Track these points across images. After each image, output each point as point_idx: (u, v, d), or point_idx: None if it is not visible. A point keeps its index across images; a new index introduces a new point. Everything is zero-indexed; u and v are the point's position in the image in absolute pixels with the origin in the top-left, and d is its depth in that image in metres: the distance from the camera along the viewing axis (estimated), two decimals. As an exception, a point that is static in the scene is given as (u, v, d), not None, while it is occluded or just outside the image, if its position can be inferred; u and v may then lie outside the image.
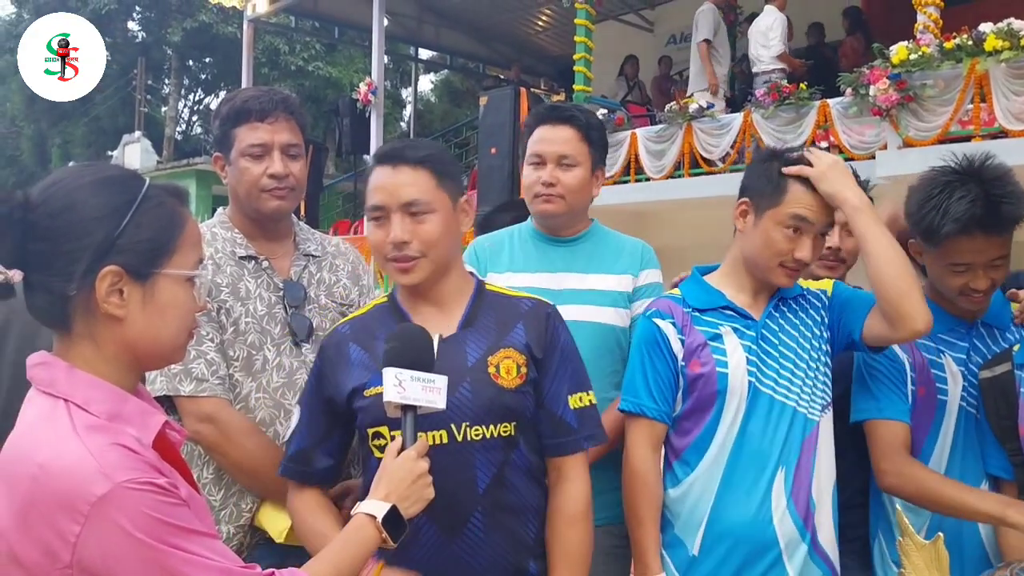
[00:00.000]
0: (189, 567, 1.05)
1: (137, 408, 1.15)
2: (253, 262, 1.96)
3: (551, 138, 2.15)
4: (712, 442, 1.83)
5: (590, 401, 1.69)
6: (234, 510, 1.87)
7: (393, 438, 1.51)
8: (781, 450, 1.81)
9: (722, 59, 8.04)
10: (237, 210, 2.00)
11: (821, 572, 1.83)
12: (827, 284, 1.98)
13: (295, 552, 1.73)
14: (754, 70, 7.88)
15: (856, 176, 2.04)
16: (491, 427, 1.56)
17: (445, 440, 1.54)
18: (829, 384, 1.89)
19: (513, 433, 1.59)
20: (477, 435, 1.56)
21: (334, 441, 1.68)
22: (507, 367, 1.59)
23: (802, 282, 1.97)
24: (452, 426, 1.54)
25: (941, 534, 1.60)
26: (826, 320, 1.91)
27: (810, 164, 1.81)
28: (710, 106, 7.77)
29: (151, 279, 1.15)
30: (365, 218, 1.65)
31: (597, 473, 1.97)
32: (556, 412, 1.64)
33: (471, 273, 1.75)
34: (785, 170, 1.81)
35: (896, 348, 1.90)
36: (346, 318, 1.76)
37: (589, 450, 1.71)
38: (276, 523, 1.83)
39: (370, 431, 1.59)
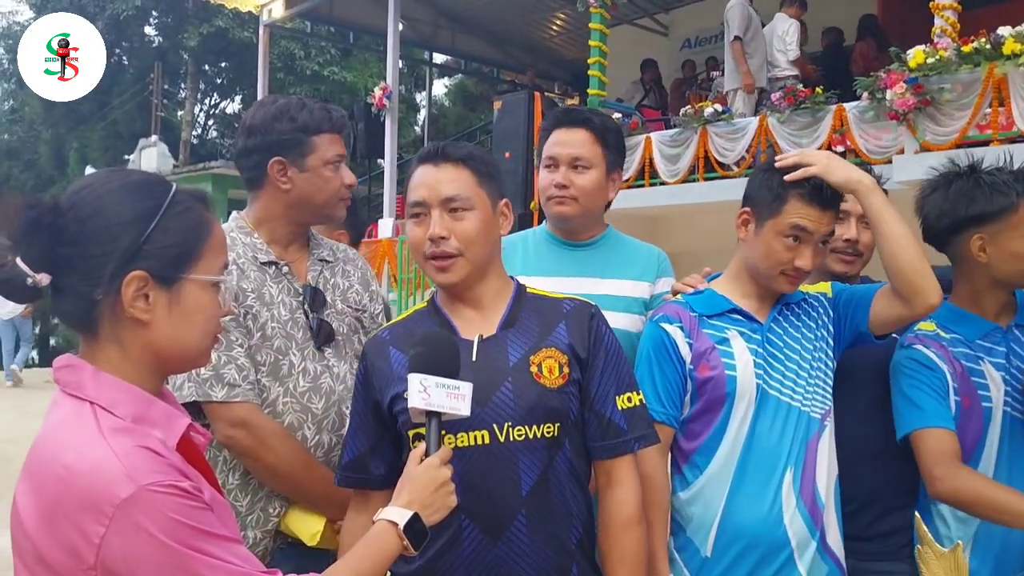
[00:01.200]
0: (211, 571, 1.05)
1: (162, 411, 1.16)
2: (274, 267, 1.97)
3: (565, 140, 2.16)
4: (722, 444, 1.84)
5: (640, 401, 1.68)
6: (261, 515, 1.87)
7: None
8: (789, 450, 1.83)
9: (755, 53, 7.77)
10: (280, 214, 1.98)
11: (829, 569, 1.84)
12: (825, 287, 2.00)
13: (322, 555, 1.73)
14: (769, 75, 7.86)
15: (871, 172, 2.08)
16: (534, 427, 1.56)
17: (487, 441, 1.54)
18: (830, 385, 1.90)
19: (557, 434, 1.58)
20: (520, 435, 1.55)
21: (386, 447, 1.67)
22: (549, 366, 1.59)
23: (802, 287, 1.98)
24: (494, 426, 1.54)
25: (960, 543, 1.59)
26: (829, 321, 1.93)
27: (805, 165, 1.83)
28: (726, 110, 7.75)
29: (177, 284, 1.16)
30: (406, 217, 1.67)
31: None
32: (604, 414, 1.63)
33: (511, 276, 1.75)
34: (788, 178, 1.82)
35: (935, 359, 1.89)
36: (386, 324, 1.77)
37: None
38: (308, 527, 1.84)
39: (411, 434, 1.59)
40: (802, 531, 1.81)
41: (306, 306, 1.96)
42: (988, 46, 5.89)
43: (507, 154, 8.41)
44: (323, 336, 1.95)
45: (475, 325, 1.63)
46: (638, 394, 1.68)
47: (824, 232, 1.85)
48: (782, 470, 1.82)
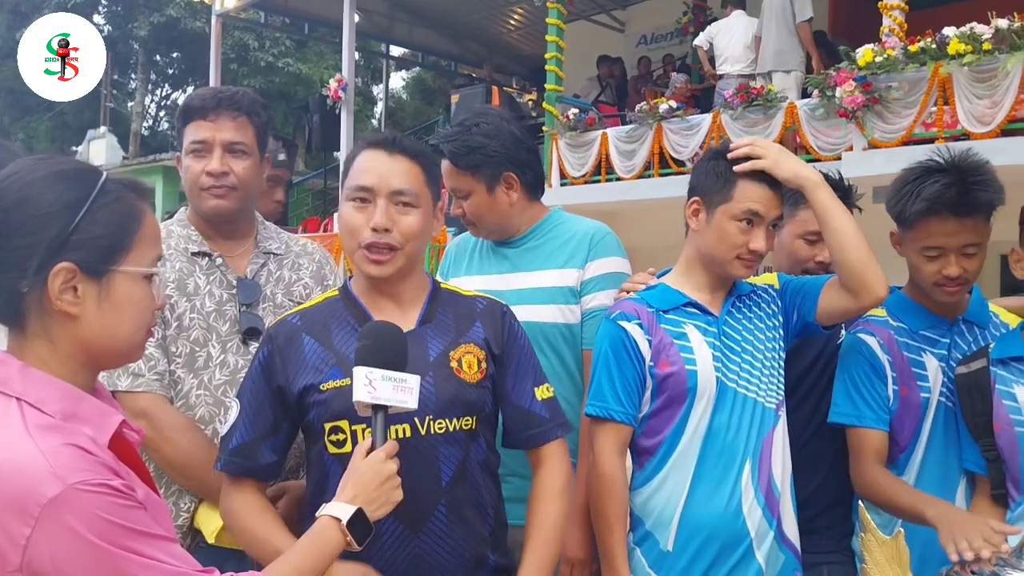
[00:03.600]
0: (144, 571, 1.03)
1: (94, 408, 1.13)
2: (206, 259, 1.94)
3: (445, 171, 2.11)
4: (681, 439, 1.84)
5: (552, 393, 1.73)
6: (173, 510, 1.84)
7: (354, 432, 1.51)
8: (747, 443, 1.84)
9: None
10: (191, 208, 2.00)
11: (786, 558, 1.87)
12: (771, 278, 2.02)
13: (233, 555, 1.71)
14: (722, 71, 7.95)
15: (838, 179, 2.13)
16: (454, 420, 1.58)
17: (409, 434, 1.53)
18: (783, 376, 1.93)
19: (474, 427, 1.61)
20: (440, 428, 1.56)
21: (281, 436, 1.62)
22: (468, 361, 1.61)
23: (755, 280, 2.01)
24: (416, 419, 1.54)
25: (902, 530, 1.62)
26: (778, 312, 1.95)
27: (755, 156, 1.85)
28: (680, 107, 7.81)
29: (107, 276, 1.13)
30: (342, 200, 1.62)
31: None
32: (525, 406, 1.67)
33: (427, 274, 1.76)
34: (738, 168, 1.85)
35: (878, 350, 1.93)
36: (294, 309, 1.71)
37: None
38: (210, 523, 1.81)
39: (327, 426, 1.55)
40: (760, 522, 1.82)
41: (237, 299, 1.92)
42: (934, 46, 6.03)
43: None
44: (247, 330, 1.90)
45: (393, 319, 1.59)
46: (549, 387, 1.74)
47: (774, 215, 1.87)
48: (740, 463, 1.83)
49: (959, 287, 1.86)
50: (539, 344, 1.99)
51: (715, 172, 1.89)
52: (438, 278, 1.89)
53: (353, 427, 1.52)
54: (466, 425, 1.59)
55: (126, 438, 1.17)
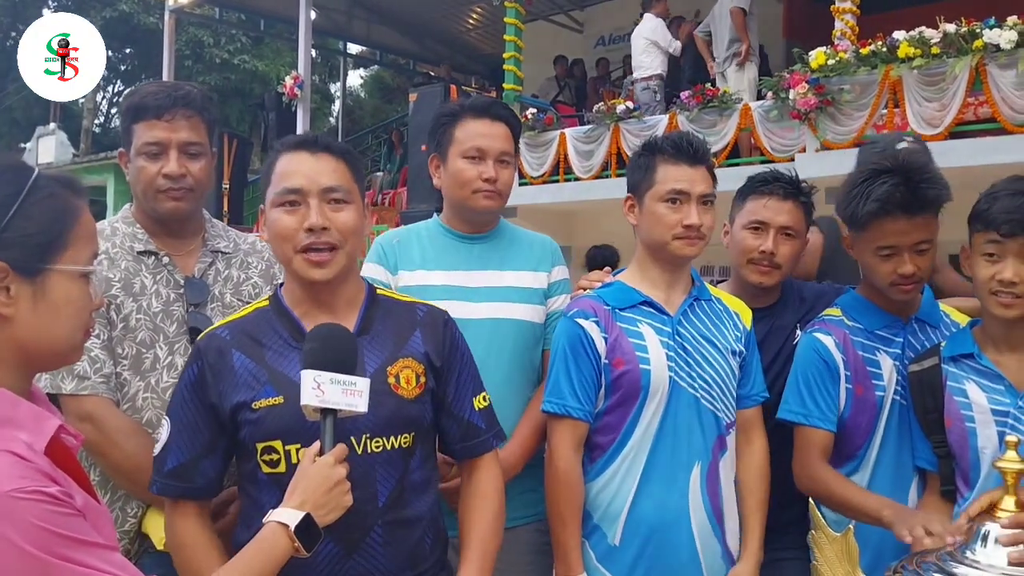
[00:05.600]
0: None
1: (30, 412, 1.09)
2: (153, 258, 1.90)
3: (492, 134, 2.09)
4: (632, 436, 1.86)
5: (489, 402, 1.71)
6: (120, 515, 1.80)
7: (288, 452, 1.46)
8: (698, 445, 1.86)
9: (752, 32, 7.56)
10: (139, 207, 1.95)
11: (725, 562, 1.89)
12: (747, 318, 2.01)
13: None
14: (635, 76, 8.07)
15: (796, 180, 2.18)
16: (391, 439, 1.53)
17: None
18: (736, 390, 1.95)
19: (412, 444, 1.57)
20: (378, 447, 1.52)
21: (218, 454, 1.55)
22: (407, 376, 1.56)
23: (724, 297, 2.02)
24: (352, 439, 1.48)
25: (851, 526, 1.64)
26: (741, 345, 1.96)
27: None
28: (636, 108, 7.86)
29: (42, 275, 1.09)
30: (268, 208, 1.56)
31: (524, 471, 1.96)
32: (464, 417, 1.64)
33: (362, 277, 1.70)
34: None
35: (833, 349, 1.95)
36: (222, 321, 1.64)
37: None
38: (159, 529, 1.76)
39: (260, 446, 1.50)
40: (705, 526, 1.85)
41: (185, 299, 1.88)
42: (884, 49, 6.15)
43: (424, 147, 8.32)
44: (193, 330, 1.86)
45: None
46: (486, 395, 1.70)
47: (700, 190, 1.88)
48: (690, 464, 1.85)
49: (914, 285, 1.90)
50: (511, 342, 2.02)
51: (638, 165, 1.94)
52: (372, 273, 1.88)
53: (287, 447, 1.47)
54: (404, 442, 1.54)
55: (64, 443, 1.13)
